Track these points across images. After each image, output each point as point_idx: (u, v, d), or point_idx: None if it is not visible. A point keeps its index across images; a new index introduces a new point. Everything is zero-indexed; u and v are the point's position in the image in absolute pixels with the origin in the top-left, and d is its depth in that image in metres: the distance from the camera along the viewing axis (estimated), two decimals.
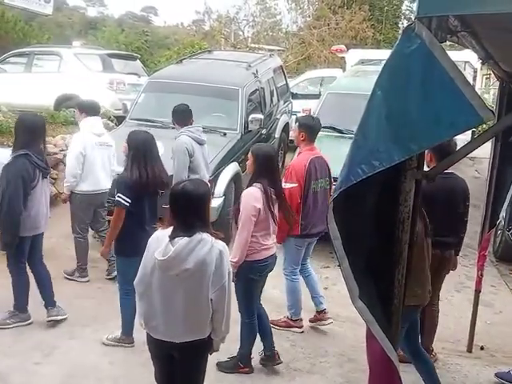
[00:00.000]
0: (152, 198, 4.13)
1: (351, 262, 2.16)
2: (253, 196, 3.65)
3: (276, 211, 3.77)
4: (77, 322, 4.44)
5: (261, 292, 3.97)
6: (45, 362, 3.89)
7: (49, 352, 4.01)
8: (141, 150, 4.00)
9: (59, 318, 4.40)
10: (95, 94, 9.12)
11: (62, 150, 7.31)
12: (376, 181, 2.06)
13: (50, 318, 4.36)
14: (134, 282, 2.81)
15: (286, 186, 4.20)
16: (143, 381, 3.28)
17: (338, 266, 5.82)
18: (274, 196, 3.73)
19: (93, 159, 5.20)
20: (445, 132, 1.99)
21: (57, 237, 5.97)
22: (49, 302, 4.42)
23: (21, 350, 4.01)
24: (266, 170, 3.73)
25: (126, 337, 4.13)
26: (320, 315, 4.59)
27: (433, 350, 4.13)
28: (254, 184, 3.70)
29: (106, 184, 5.26)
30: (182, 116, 5.35)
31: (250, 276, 3.73)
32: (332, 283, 5.44)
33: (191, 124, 5.36)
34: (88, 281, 5.25)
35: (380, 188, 2.12)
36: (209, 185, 3.34)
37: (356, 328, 4.57)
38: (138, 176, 3.93)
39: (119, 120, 8.32)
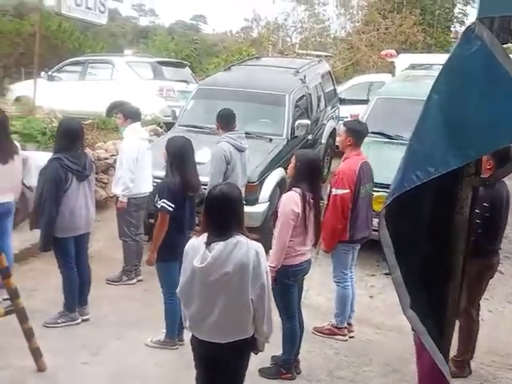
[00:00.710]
0: (191, 202, 4.17)
1: (403, 270, 2.10)
2: (292, 200, 3.63)
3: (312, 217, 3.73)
4: (123, 323, 4.53)
5: (300, 298, 3.92)
6: (92, 362, 3.98)
7: (96, 351, 4.10)
8: (179, 156, 4.05)
9: (84, 317, 4.56)
10: (145, 101, 9.39)
11: (113, 156, 7.50)
12: (431, 187, 2.00)
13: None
14: (177, 290, 2.87)
15: (336, 192, 4.15)
16: (189, 383, 3.28)
17: (385, 274, 5.77)
18: (312, 201, 3.68)
19: (142, 164, 5.33)
20: (505, 137, 1.90)
21: (104, 240, 6.14)
22: (81, 301, 4.56)
23: (69, 348, 4.12)
24: (307, 175, 3.71)
25: (170, 340, 4.18)
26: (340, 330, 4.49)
27: (468, 362, 3.94)
28: (294, 188, 3.67)
29: (149, 187, 5.41)
30: (226, 120, 5.36)
31: (284, 280, 3.70)
32: (378, 292, 5.32)
33: (234, 129, 5.35)
34: (135, 283, 5.34)
35: (435, 195, 2.05)
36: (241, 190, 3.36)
37: (402, 338, 4.44)
38: (179, 181, 3.98)
39: (168, 126, 8.46)
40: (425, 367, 2.30)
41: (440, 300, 2.18)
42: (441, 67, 2.10)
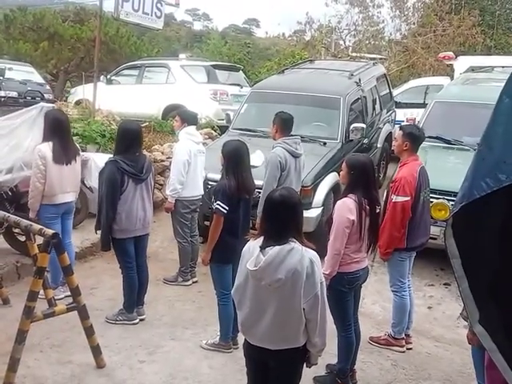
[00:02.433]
0: (246, 205, 4.16)
1: (471, 282, 2.00)
2: (347, 207, 3.55)
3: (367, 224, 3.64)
4: (178, 324, 4.58)
5: (356, 306, 3.84)
6: (148, 361, 4.04)
7: (152, 351, 4.16)
8: (234, 159, 4.05)
9: (140, 317, 4.64)
10: (200, 105, 9.52)
11: (169, 158, 7.63)
12: (502, 195, 1.89)
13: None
14: (232, 292, 2.88)
15: (397, 199, 4.05)
16: None
17: (444, 284, 5.57)
18: (367, 207, 3.60)
19: (195, 166, 5.38)
20: None
21: (161, 240, 6.24)
22: (137, 301, 4.65)
23: (126, 347, 4.20)
24: (362, 180, 3.61)
25: (225, 343, 4.18)
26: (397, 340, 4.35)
27: None
28: (349, 195, 3.60)
29: (201, 190, 5.49)
30: (285, 124, 5.27)
31: (339, 288, 3.62)
32: (437, 302, 5.14)
33: (290, 134, 5.28)
34: (191, 284, 5.40)
35: (507, 203, 1.94)
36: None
37: (463, 352, 4.27)
38: (234, 184, 3.98)
39: (222, 130, 8.54)
40: None
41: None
42: (504, 69, 1.99)
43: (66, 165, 4.71)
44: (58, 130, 4.68)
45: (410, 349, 4.31)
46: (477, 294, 2.04)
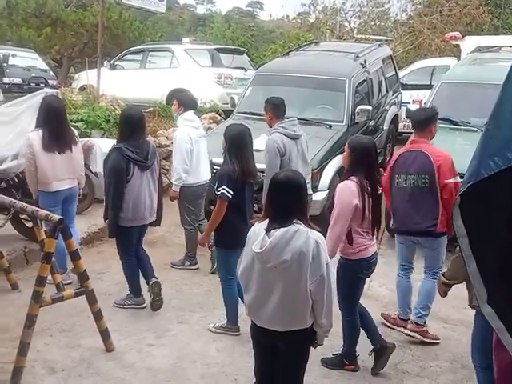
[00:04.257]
0: (250, 189, 4.15)
1: (479, 262, 1.99)
2: (350, 190, 3.49)
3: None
4: (185, 307, 4.62)
5: (362, 290, 3.84)
6: (156, 344, 4.07)
7: (161, 334, 4.20)
8: (236, 143, 4.02)
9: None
10: (204, 88, 9.48)
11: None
12: (510, 174, 1.87)
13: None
14: (238, 275, 2.89)
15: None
16: (249, 370, 3.30)
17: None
18: (369, 189, 3.56)
19: (198, 152, 5.32)
20: None
21: (167, 225, 6.25)
22: (149, 275, 4.59)
23: (135, 330, 4.23)
24: (363, 163, 3.56)
25: (232, 325, 4.21)
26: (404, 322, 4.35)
27: None
28: (350, 177, 3.55)
29: (208, 175, 5.44)
30: (278, 109, 5.09)
31: (359, 275, 3.63)
32: None
33: (284, 117, 5.11)
34: (198, 268, 5.42)
35: None
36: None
37: (469, 333, 4.26)
38: (239, 168, 3.96)
39: (227, 114, 8.50)
40: (503, 364, 2.20)
41: None
42: (511, 48, 1.95)
43: (59, 153, 4.60)
44: (50, 118, 4.57)
45: (407, 334, 4.26)
46: (485, 274, 2.02)
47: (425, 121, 4.25)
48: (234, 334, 4.19)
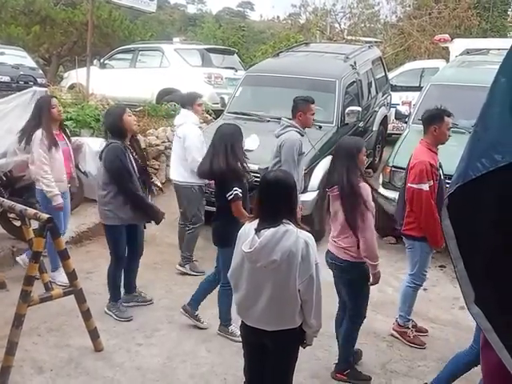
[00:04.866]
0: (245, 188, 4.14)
1: (467, 263, 2.01)
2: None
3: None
4: (175, 307, 4.59)
5: None
6: (146, 344, 4.06)
7: (150, 334, 4.19)
8: (228, 142, 3.98)
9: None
10: (194, 88, 9.42)
11: (164, 142, 7.61)
12: (498, 176, 1.90)
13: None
14: (228, 274, 2.90)
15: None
16: (239, 370, 3.31)
17: (439, 266, 5.58)
18: None
19: (173, 151, 5.46)
20: None
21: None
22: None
23: (124, 330, 4.22)
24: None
25: (226, 326, 4.19)
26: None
27: None
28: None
29: (175, 175, 5.41)
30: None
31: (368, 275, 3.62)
32: (432, 284, 5.17)
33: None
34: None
35: (502, 183, 1.95)
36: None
37: (457, 333, 4.33)
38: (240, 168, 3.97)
39: (217, 113, 8.49)
40: (490, 365, 2.21)
41: (507, 295, 2.08)
42: (500, 51, 1.98)
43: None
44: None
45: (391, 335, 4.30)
46: (472, 275, 2.05)
47: (424, 120, 4.17)
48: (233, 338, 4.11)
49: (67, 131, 4.99)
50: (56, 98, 4.90)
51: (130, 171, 4.15)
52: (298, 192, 4.90)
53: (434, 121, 4.07)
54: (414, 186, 3.94)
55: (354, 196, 3.40)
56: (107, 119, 4.44)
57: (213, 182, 4.24)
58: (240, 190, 3.89)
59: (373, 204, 3.43)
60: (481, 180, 1.93)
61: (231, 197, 3.88)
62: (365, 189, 3.44)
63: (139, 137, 6.04)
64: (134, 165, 4.22)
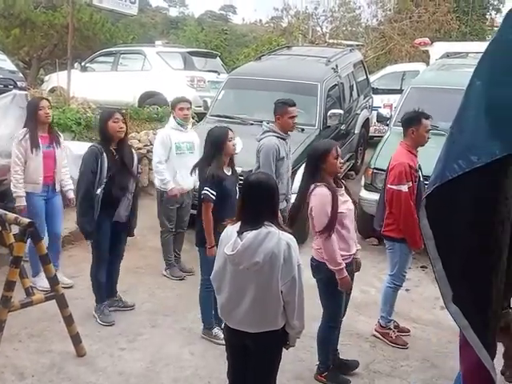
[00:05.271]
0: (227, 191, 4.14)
1: (445, 263, 2.05)
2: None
3: None
4: (158, 311, 4.59)
5: None
6: (129, 348, 4.04)
7: (133, 338, 4.16)
8: (220, 145, 4.03)
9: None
10: (176, 91, 9.40)
11: (146, 146, 7.58)
12: (473, 177, 1.94)
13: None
14: (211, 277, 2.91)
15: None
16: (223, 372, 3.31)
17: (421, 267, 5.64)
18: None
19: None
20: None
21: (140, 228, 6.16)
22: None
23: (107, 335, 4.19)
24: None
25: (209, 329, 4.18)
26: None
27: None
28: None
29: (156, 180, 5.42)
30: None
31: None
32: (414, 285, 5.24)
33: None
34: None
35: (478, 185, 1.99)
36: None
37: (439, 333, 4.39)
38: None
39: (200, 117, 8.49)
40: (469, 363, 2.25)
41: (483, 294, 2.12)
42: (478, 54, 2.03)
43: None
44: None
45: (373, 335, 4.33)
46: (450, 274, 2.09)
47: (403, 123, 4.24)
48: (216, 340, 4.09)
49: (58, 134, 4.93)
50: (48, 100, 4.85)
51: (94, 175, 4.15)
52: (284, 197, 4.97)
53: (412, 123, 4.12)
54: (394, 187, 4.00)
55: (302, 201, 3.47)
56: (98, 122, 4.52)
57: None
58: (212, 192, 3.90)
59: (326, 210, 3.36)
60: (457, 181, 1.97)
61: (202, 197, 3.93)
62: (316, 194, 3.41)
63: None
64: (106, 169, 4.19)
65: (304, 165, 6.08)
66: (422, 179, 4.12)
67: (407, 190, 3.96)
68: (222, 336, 3.45)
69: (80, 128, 7.44)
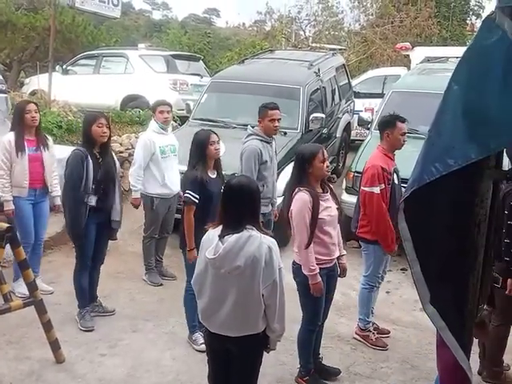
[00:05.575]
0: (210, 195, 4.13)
1: (422, 265, 2.06)
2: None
3: None
4: (139, 316, 4.55)
5: None
6: (109, 354, 4.00)
7: (113, 344, 4.12)
8: (203, 149, 4.02)
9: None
10: (159, 94, 9.36)
11: (128, 149, 7.53)
12: (450, 180, 1.96)
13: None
14: (192, 281, 2.89)
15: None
16: (205, 377, 3.30)
17: (401, 269, 5.69)
18: None
19: None
20: None
21: (121, 233, 6.11)
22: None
23: (86, 340, 4.14)
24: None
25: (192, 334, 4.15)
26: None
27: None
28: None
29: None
30: None
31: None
32: (394, 287, 5.28)
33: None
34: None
35: (455, 188, 2.01)
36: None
37: (419, 334, 4.43)
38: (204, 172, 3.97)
39: (182, 120, 8.46)
40: (446, 363, 2.28)
41: (460, 295, 2.15)
42: (458, 59, 2.07)
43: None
44: None
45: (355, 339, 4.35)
46: (428, 276, 2.11)
47: (379, 126, 4.31)
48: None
49: (46, 138, 4.86)
50: (35, 104, 4.79)
51: (80, 179, 4.11)
52: (270, 200, 4.98)
53: (387, 126, 4.17)
54: (366, 189, 4.04)
55: (288, 204, 3.49)
56: (82, 124, 4.49)
57: None
58: (193, 195, 3.89)
59: (304, 215, 3.39)
60: (435, 184, 1.99)
61: (184, 200, 3.93)
62: (298, 199, 3.43)
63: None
64: (92, 173, 4.16)
65: (286, 168, 6.23)
66: (398, 182, 4.16)
67: (379, 192, 4.00)
68: (201, 341, 3.43)
69: (61, 131, 7.37)
